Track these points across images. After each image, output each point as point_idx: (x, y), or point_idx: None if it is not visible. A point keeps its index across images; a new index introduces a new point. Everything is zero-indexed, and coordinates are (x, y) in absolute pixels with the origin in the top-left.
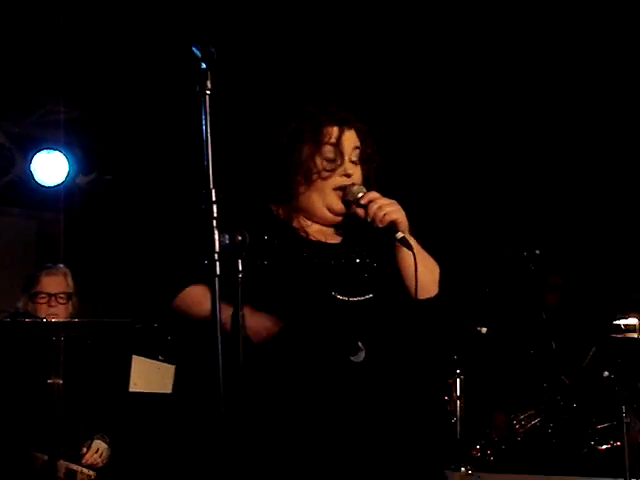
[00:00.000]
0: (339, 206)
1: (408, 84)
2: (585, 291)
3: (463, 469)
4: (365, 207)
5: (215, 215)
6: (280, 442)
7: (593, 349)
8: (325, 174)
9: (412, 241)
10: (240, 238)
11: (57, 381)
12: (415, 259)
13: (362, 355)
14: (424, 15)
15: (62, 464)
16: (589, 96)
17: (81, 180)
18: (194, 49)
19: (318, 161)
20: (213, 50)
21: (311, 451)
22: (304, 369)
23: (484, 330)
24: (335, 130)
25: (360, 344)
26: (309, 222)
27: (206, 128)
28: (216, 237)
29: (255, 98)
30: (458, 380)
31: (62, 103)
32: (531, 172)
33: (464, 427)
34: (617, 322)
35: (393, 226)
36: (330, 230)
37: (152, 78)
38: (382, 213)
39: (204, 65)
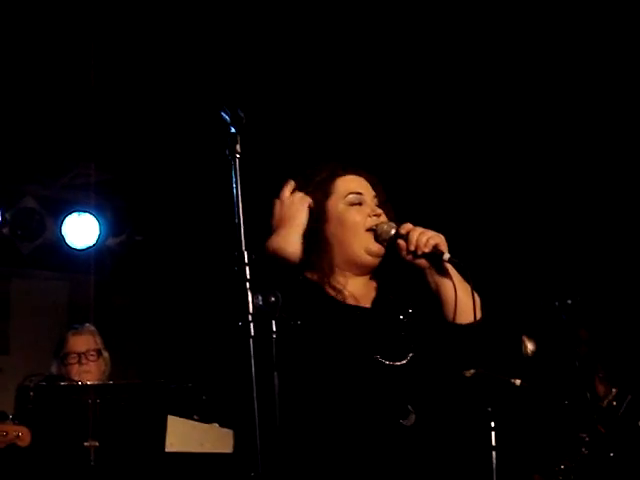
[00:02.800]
0: (376, 247)
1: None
2: (617, 338)
3: None
4: (405, 237)
5: (248, 277)
6: None
7: (628, 397)
8: (353, 216)
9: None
10: (273, 299)
11: (93, 444)
12: (454, 281)
13: (413, 418)
14: (424, 16)
15: None
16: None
17: (112, 242)
18: (223, 114)
19: (343, 208)
20: (242, 114)
21: None
22: (356, 436)
23: (518, 382)
24: (349, 177)
25: (410, 407)
26: (344, 281)
27: (237, 190)
28: (249, 298)
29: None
30: (493, 433)
31: (92, 166)
32: (555, 221)
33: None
34: None
35: (437, 250)
36: (366, 282)
37: (181, 140)
38: (425, 238)
39: (233, 129)
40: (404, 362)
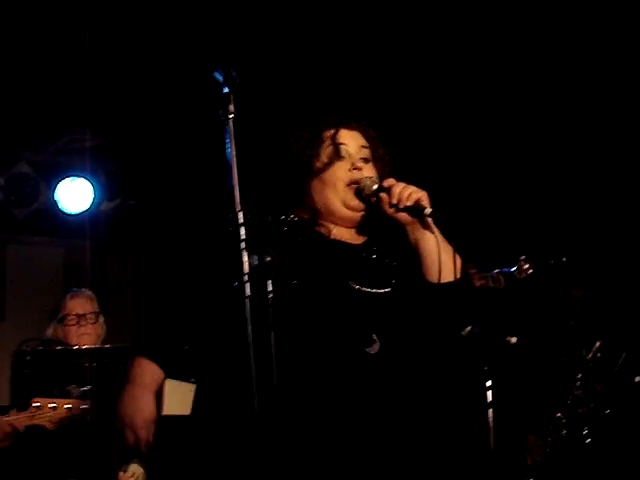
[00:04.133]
0: (354, 202)
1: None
2: (613, 296)
3: None
4: (387, 191)
5: (243, 237)
6: (294, 435)
7: (623, 354)
8: (333, 170)
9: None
10: (269, 259)
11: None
12: (437, 239)
13: (376, 347)
14: (425, 16)
15: None
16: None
17: (106, 206)
18: (216, 74)
19: (324, 160)
20: (235, 74)
21: (323, 444)
22: (319, 359)
23: (513, 340)
24: (333, 131)
25: (374, 336)
26: (332, 225)
27: (231, 151)
28: (245, 259)
29: (273, 115)
30: (489, 391)
31: (86, 131)
32: (552, 180)
33: (497, 439)
34: None
35: (419, 204)
36: (353, 232)
37: (175, 103)
38: (407, 192)
39: (226, 89)
40: (377, 291)
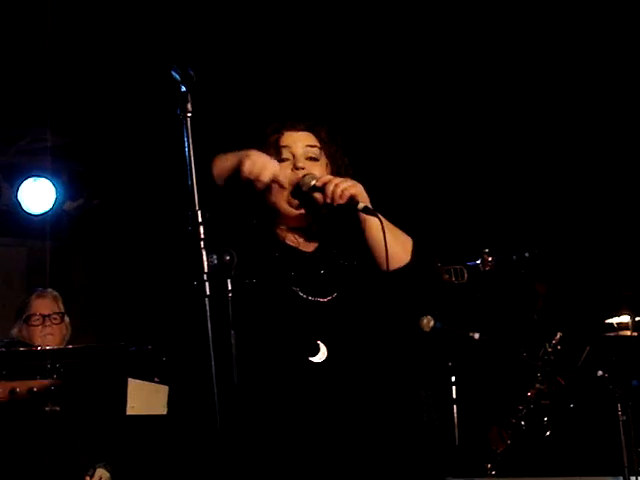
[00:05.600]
0: (295, 200)
1: (401, 83)
2: (577, 291)
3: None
4: (322, 190)
5: (202, 236)
6: (250, 438)
7: (587, 348)
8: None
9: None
10: (228, 258)
11: (54, 408)
12: (382, 225)
13: (322, 356)
14: (423, 15)
15: None
16: (577, 90)
17: (69, 206)
18: (173, 72)
19: None
20: (192, 72)
21: (271, 453)
22: (265, 369)
23: (477, 336)
24: (275, 136)
25: (320, 344)
26: (286, 228)
27: (189, 150)
28: (204, 257)
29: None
30: (453, 387)
31: (47, 131)
32: (515, 175)
33: (462, 434)
34: (610, 320)
35: (353, 200)
36: (305, 235)
37: (135, 102)
38: (340, 189)
39: (184, 88)
40: (324, 299)
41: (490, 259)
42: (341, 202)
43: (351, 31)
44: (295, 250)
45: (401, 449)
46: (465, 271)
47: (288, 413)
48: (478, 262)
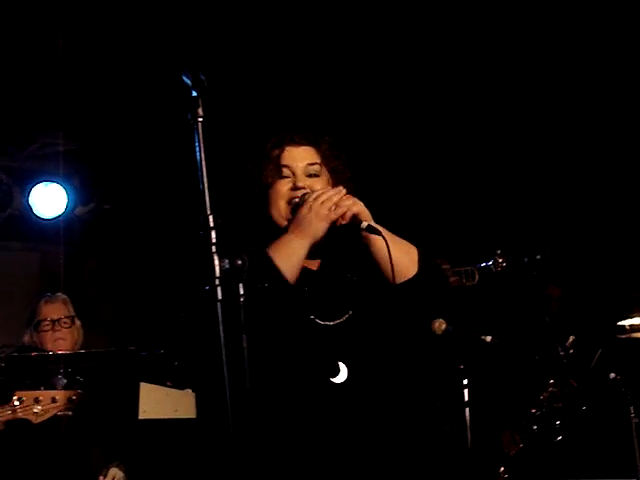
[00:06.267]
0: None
1: (408, 88)
2: (588, 293)
3: None
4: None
5: (214, 241)
6: (268, 467)
7: (599, 351)
8: (276, 189)
9: (380, 228)
10: (240, 262)
11: (66, 413)
12: (387, 243)
13: (343, 376)
14: (422, 14)
15: None
16: (593, 99)
17: (80, 211)
18: (184, 77)
19: (269, 180)
20: (203, 77)
21: (295, 473)
22: (288, 395)
23: (488, 339)
24: (276, 152)
25: (340, 365)
26: None
27: (200, 154)
28: (216, 262)
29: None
30: (466, 390)
31: (59, 135)
32: (527, 177)
33: (474, 438)
34: (622, 323)
35: (356, 220)
36: (309, 254)
37: (147, 107)
38: (341, 210)
39: (195, 93)
40: (339, 321)
41: (502, 260)
42: (344, 222)
43: (352, 39)
44: (303, 270)
45: (425, 463)
46: (476, 272)
47: (312, 434)
48: (490, 263)
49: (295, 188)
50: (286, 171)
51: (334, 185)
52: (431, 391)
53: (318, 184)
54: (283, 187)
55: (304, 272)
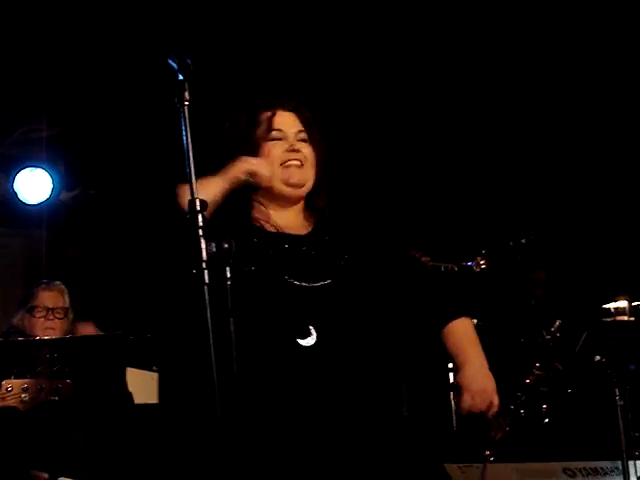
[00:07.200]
0: (295, 178)
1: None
2: (573, 277)
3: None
4: None
5: (200, 224)
6: (245, 424)
7: (585, 334)
8: (269, 150)
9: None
10: (226, 246)
11: (53, 398)
12: None
13: (312, 339)
14: (422, 13)
15: None
16: (570, 85)
17: (65, 196)
18: (170, 61)
19: (261, 142)
20: (189, 61)
21: (260, 436)
22: (255, 354)
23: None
24: (269, 113)
25: (311, 328)
26: (266, 212)
27: (187, 138)
28: (203, 246)
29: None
30: (450, 374)
31: (44, 121)
32: (510, 163)
33: (460, 420)
34: (607, 305)
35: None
36: (298, 216)
37: (131, 91)
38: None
39: (181, 77)
40: (316, 285)
41: (483, 262)
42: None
43: (348, 27)
44: (287, 234)
45: (388, 433)
46: (456, 269)
47: (275, 395)
48: (471, 263)
49: (292, 150)
50: (277, 134)
51: (315, 153)
52: (399, 374)
53: (306, 149)
54: (277, 149)
55: (291, 236)
